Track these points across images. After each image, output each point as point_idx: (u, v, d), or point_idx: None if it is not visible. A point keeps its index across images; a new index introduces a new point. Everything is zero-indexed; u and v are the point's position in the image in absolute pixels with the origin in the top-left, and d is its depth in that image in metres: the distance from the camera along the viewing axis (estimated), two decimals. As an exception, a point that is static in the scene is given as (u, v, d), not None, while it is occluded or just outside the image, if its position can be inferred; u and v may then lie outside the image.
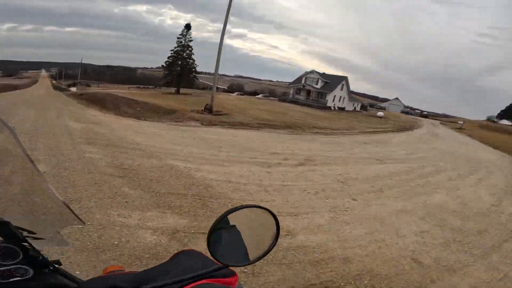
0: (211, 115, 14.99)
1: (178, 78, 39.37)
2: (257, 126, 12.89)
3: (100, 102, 17.93)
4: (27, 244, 0.55)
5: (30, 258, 0.55)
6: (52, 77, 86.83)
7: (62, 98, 21.27)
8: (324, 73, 45.17)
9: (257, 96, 53.83)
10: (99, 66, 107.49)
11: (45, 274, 0.56)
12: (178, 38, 40.09)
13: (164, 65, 40.52)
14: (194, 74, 41.62)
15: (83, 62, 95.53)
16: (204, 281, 0.52)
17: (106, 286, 0.54)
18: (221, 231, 0.55)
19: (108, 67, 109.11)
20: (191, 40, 40.57)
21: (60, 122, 8.64)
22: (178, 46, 40.07)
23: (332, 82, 42.72)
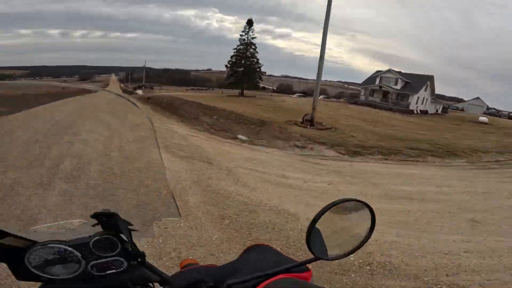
0: (315, 129, 11.32)
1: (242, 78, 36.86)
2: (415, 155, 8.52)
3: (170, 108, 15.93)
4: (125, 237, 0.56)
5: (125, 250, 0.56)
6: (120, 80, 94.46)
7: (132, 104, 20.43)
8: (400, 72, 38.52)
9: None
10: (157, 69, 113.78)
11: (135, 267, 0.57)
12: (240, 35, 37.63)
13: (228, 65, 38.38)
14: (259, 74, 38.69)
15: (140, 66, 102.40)
16: (283, 276, 0.53)
17: (193, 280, 0.54)
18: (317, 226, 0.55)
19: (165, 70, 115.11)
20: (254, 38, 37.76)
21: (145, 156, 5.22)
22: (241, 44, 37.64)
23: (414, 82, 36.35)
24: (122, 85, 79.20)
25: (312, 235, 0.52)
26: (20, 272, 0.54)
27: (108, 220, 0.55)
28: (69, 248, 0.54)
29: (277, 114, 14.47)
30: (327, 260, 0.55)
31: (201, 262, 0.65)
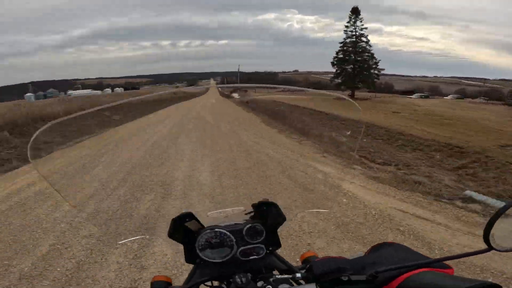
0: None
1: (353, 77, 30.78)
2: None
3: (280, 118, 12.39)
4: (272, 226, 0.61)
5: (267, 239, 0.62)
6: (219, 84, 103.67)
7: (234, 107, 18.97)
8: None
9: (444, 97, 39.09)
10: (247, 72, 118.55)
11: (269, 255, 0.63)
12: (345, 27, 31.65)
13: (334, 62, 32.88)
14: (375, 72, 31.66)
15: (232, 70, 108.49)
16: (426, 269, 0.51)
17: (334, 268, 0.54)
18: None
19: (255, 73, 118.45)
20: (364, 28, 31.12)
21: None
22: (348, 37, 31.66)
23: None
24: (219, 89, 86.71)
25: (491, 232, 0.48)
26: (189, 254, 0.60)
27: (265, 210, 0.62)
28: (229, 233, 0.60)
29: (449, 130, 8.90)
30: (499, 251, 0.49)
31: None
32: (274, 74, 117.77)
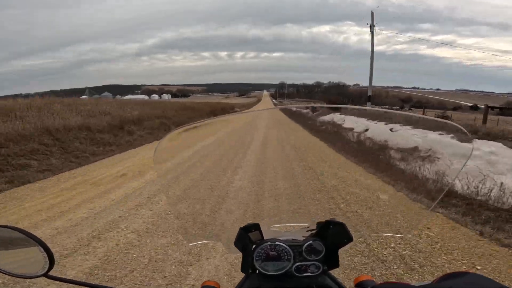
0: None
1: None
2: None
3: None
4: (331, 245, 0.63)
5: (325, 258, 0.63)
6: (272, 95, 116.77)
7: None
8: None
9: None
10: (304, 85, 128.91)
11: (322, 274, 0.63)
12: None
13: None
14: None
15: (287, 82, 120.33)
16: None
17: None
18: None
19: (315, 85, 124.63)
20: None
21: None
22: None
23: None
24: (274, 100, 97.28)
25: None
26: (245, 264, 0.63)
27: (331, 228, 0.62)
28: (288, 248, 0.61)
29: None
30: None
31: None
32: (343, 86, 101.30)
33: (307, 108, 19.37)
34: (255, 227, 0.64)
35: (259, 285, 0.62)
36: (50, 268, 0.56)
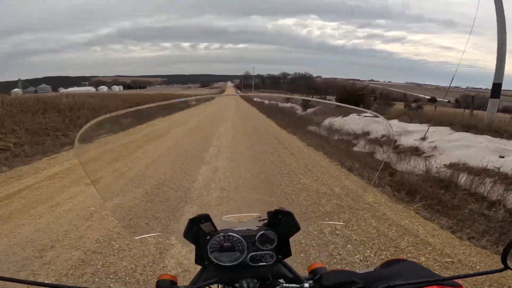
0: None
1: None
2: None
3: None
4: (284, 234, 0.65)
5: (278, 247, 0.65)
6: (237, 86, 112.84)
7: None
8: None
9: None
10: (270, 75, 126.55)
11: (277, 263, 0.65)
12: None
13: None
14: None
15: (250, 74, 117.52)
16: (437, 287, 0.52)
17: (343, 280, 0.57)
18: None
19: (281, 76, 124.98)
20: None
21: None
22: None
23: None
24: (238, 91, 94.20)
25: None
26: (199, 256, 0.64)
27: (280, 218, 0.64)
28: (241, 238, 0.63)
29: None
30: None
31: None
32: (310, 77, 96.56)
33: (288, 101, 15.85)
34: (205, 218, 0.64)
35: (215, 276, 0.62)
36: None
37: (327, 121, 9.86)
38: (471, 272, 0.67)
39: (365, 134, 7.76)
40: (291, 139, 7.80)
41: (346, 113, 9.64)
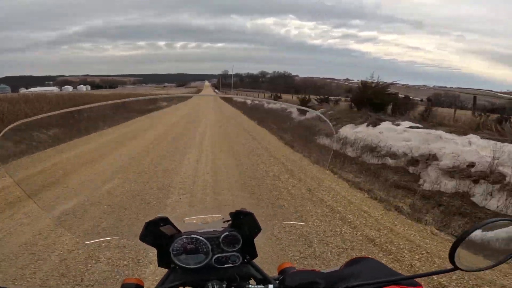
0: None
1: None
2: None
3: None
4: (248, 235, 0.65)
5: (243, 248, 0.65)
6: (214, 86, 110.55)
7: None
8: None
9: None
10: (248, 74, 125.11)
11: (244, 264, 0.65)
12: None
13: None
14: None
15: (229, 73, 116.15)
16: (396, 287, 0.54)
17: (306, 281, 0.58)
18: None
19: (260, 75, 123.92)
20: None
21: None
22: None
23: None
24: (216, 90, 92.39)
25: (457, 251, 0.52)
26: (161, 258, 0.64)
27: (242, 219, 0.64)
28: (205, 240, 0.62)
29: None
30: (463, 271, 0.54)
31: None
32: (289, 76, 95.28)
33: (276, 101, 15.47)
34: (164, 220, 0.62)
35: (182, 279, 0.62)
36: None
37: (347, 130, 8.05)
38: (427, 271, 0.61)
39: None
40: (302, 164, 5.96)
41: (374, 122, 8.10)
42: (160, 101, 10.14)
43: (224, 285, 0.61)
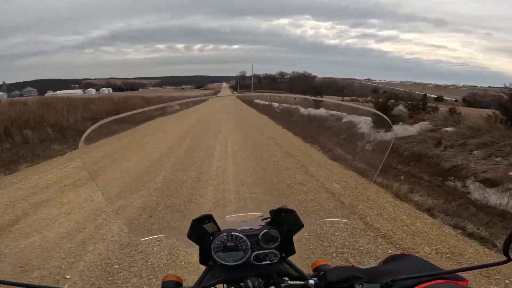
0: None
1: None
2: None
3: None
4: (287, 232, 0.66)
5: (281, 245, 0.65)
6: (232, 87, 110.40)
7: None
8: None
9: None
10: (266, 75, 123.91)
11: (281, 261, 0.65)
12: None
13: None
14: None
15: (247, 74, 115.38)
16: (441, 281, 0.52)
17: (348, 276, 0.57)
18: None
19: (279, 76, 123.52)
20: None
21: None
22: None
23: None
24: (235, 92, 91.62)
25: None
26: (203, 256, 0.65)
27: (283, 216, 0.65)
28: (244, 237, 0.63)
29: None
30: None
31: None
32: (309, 76, 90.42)
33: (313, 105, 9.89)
34: (208, 218, 0.65)
35: (220, 276, 0.63)
36: None
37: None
38: (474, 265, 0.56)
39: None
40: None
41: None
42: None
43: (262, 282, 0.62)
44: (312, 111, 10.24)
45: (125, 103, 14.73)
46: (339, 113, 8.73)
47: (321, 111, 9.88)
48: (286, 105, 12.12)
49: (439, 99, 52.92)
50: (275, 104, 14.32)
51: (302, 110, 10.67)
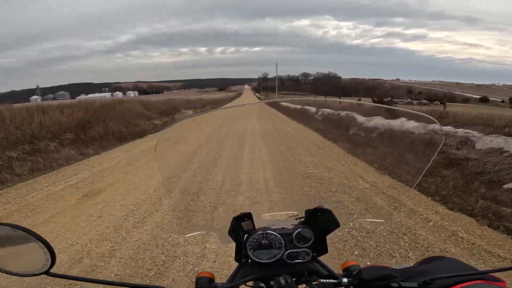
0: None
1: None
2: None
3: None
4: (320, 232, 0.65)
5: (314, 244, 0.65)
6: (255, 89, 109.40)
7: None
8: None
9: None
10: (289, 77, 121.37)
11: (313, 260, 0.66)
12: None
13: None
14: None
15: (269, 76, 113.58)
16: (479, 281, 0.52)
17: (383, 275, 0.56)
18: None
19: (302, 77, 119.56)
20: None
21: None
22: None
23: None
24: (257, 94, 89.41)
25: None
26: (238, 253, 0.66)
27: (319, 215, 0.66)
28: (279, 236, 0.64)
29: None
30: None
31: None
32: (334, 77, 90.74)
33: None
34: (248, 216, 0.66)
35: (252, 273, 0.64)
36: (52, 265, 0.55)
37: None
38: (510, 266, 0.55)
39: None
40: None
41: None
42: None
43: (294, 280, 0.62)
44: (378, 120, 6.93)
45: (168, 104, 17.89)
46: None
47: (397, 122, 6.40)
48: (330, 111, 9.92)
49: (484, 99, 47.84)
50: (311, 109, 12.21)
51: (362, 119, 7.56)
